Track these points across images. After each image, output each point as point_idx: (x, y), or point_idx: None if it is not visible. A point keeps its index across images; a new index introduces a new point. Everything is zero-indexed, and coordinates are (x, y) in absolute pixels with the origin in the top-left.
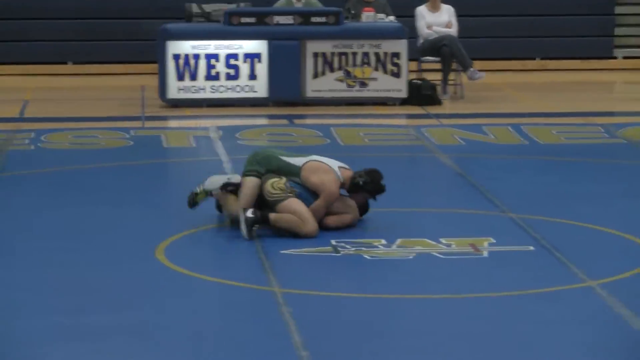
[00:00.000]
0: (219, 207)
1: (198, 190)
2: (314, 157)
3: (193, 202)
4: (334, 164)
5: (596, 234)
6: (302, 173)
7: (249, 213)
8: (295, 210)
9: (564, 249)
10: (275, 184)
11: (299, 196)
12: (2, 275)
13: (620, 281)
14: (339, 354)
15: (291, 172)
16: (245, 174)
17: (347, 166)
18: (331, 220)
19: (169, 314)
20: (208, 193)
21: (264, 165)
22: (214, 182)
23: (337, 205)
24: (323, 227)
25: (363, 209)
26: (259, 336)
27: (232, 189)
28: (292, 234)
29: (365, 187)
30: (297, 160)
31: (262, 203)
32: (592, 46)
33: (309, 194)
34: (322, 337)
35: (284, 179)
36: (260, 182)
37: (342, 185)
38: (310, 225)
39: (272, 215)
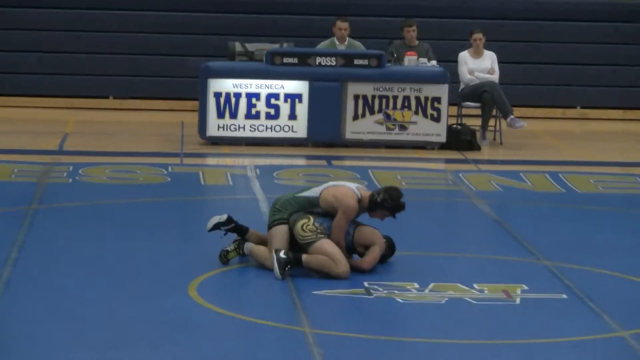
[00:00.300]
0: (224, 258)
1: (229, 248)
2: (330, 183)
3: (225, 259)
4: (351, 184)
5: (629, 284)
6: (320, 199)
7: (282, 254)
8: (327, 252)
9: (597, 298)
10: (305, 226)
11: (328, 229)
12: (36, 308)
13: None
14: None
15: (312, 204)
16: (271, 225)
17: (365, 188)
18: (366, 264)
19: (200, 351)
20: (240, 252)
21: (286, 210)
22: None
23: (364, 233)
24: (359, 271)
25: (390, 250)
26: None
27: (228, 228)
28: (324, 275)
29: (384, 204)
30: (314, 191)
31: (295, 246)
32: (633, 96)
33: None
34: None
35: (312, 219)
36: (288, 227)
37: (360, 203)
38: (343, 266)
39: (305, 257)
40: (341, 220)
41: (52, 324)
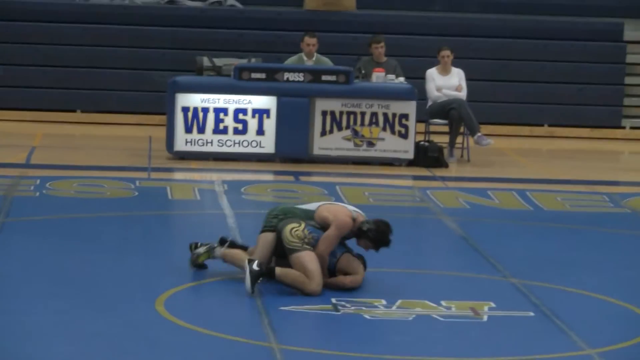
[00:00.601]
0: (196, 263)
1: (201, 251)
2: (329, 202)
3: (196, 262)
4: (349, 206)
5: (596, 303)
6: (316, 213)
7: (255, 266)
8: (305, 266)
9: (564, 315)
10: (294, 231)
11: (316, 241)
12: (0, 320)
13: (619, 350)
14: None
15: (308, 217)
16: (262, 231)
17: (362, 213)
18: (348, 281)
19: None
20: (210, 254)
21: (285, 217)
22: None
23: (350, 262)
24: (339, 286)
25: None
26: None
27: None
28: (296, 290)
29: (368, 234)
30: (312, 205)
31: (280, 248)
32: (600, 115)
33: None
34: None
35: (302, 224)
36: (275, 236)
37: (353, 224)
38: (315, 284)
39: (278, 270)
40: (332, 232)
41: (16, 337)
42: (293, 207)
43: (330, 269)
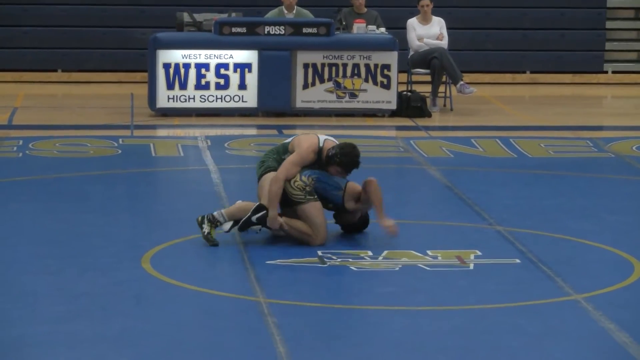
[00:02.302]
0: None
1: (206, 230)
2: (305, 133)
3: (213, 241)
4: (323, 136)
5: (582, 248)
6: (290, 144)
7: (255, 218)
8: (310, 219)
9: (550, 262)
10: (293, 183)
11: (318, 181)
12: None
13: (606, 295)
14: None
15: (286, 150)
16: (261, 175)
17: (335, 141)
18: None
19: (154, 323)
20: (217, 224)
21: (270, 157)
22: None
23: (354, 187)
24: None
25: (364, 221)
26: (244, 346)
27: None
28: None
29: (335, 158)
30: (289, 139)
31: (285, 201)
32: (582, 60)
33: (325, 174)
34: (307, 348)
35: (298, 174)
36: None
37: (320, 154)
38: (320, 240)
39: (285, 222)
40: (292, 157)
41: (4, 298)
42: (274, 147)
43: (338, 204)
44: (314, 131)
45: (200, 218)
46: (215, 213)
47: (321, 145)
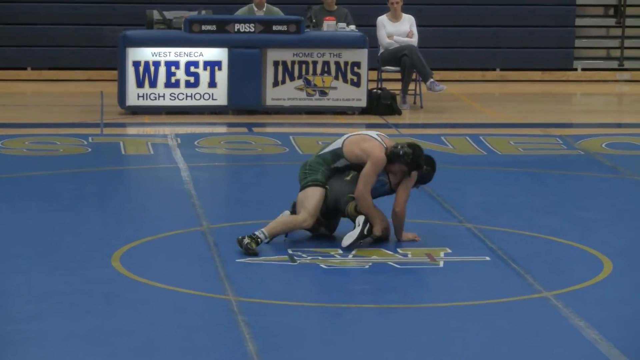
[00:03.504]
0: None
1: (250, 244)
2: (350, 133)
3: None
4: (373, 133)
5: (552, 245)
6: (344, 150)
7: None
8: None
9: (520, 259)
10: (358, 209)
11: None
12: None
13: (576, 292)
14: None
15: (336, 156)
16: (304, 187)
17: (386, 135)
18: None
19: (124, 321)
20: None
21: (316, 171)
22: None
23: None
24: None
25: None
26: (214, 345)
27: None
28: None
29: (404, 157)
30: (336, 143)
31: (328, 213)
32: (552, 58)
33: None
34: (276, 346)
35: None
36: (325, 192)
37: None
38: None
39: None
40: (368, 169)
41: None
42: (317, 155)
43: (387, 194)
44: (357, 130)
45: (241, 238)
46: (256, 232)
47: (384, 144)
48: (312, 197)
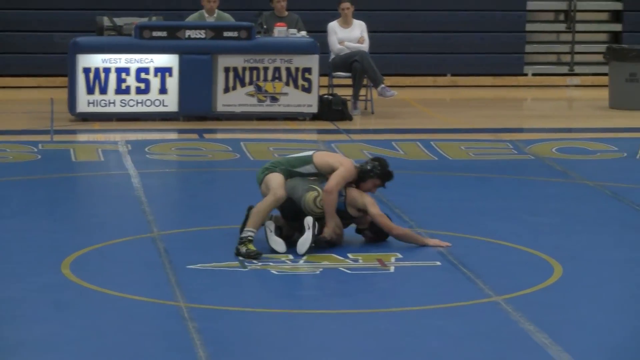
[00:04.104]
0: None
1: (250, 247)
2: (321, 150)
3: (256, 254)
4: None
5: (502, 250)
6: (315, 159)
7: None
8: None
9: (471, 264)
10: (318, 201)
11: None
12: None
13: (526, 296)
14: None
15: (305, 162)
16: (263, 178)
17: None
18: (395, 229)
19: (74, 328)
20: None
21: (276, 167)
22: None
23: (354, 193)
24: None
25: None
26: (164, 351)
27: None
28: None
29: (374, 171)
30: (305, 152)
31: (292, 212)
32: (502, 63)
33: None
34: (228, 352)
35: (320, 192)
36: (283, 178)
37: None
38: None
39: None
40: (342, 172)
41: None
42: (283, 157)
43: (341, 209)
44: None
45: (236, 251)
46: (241, 235)
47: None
48: (273, 178)
